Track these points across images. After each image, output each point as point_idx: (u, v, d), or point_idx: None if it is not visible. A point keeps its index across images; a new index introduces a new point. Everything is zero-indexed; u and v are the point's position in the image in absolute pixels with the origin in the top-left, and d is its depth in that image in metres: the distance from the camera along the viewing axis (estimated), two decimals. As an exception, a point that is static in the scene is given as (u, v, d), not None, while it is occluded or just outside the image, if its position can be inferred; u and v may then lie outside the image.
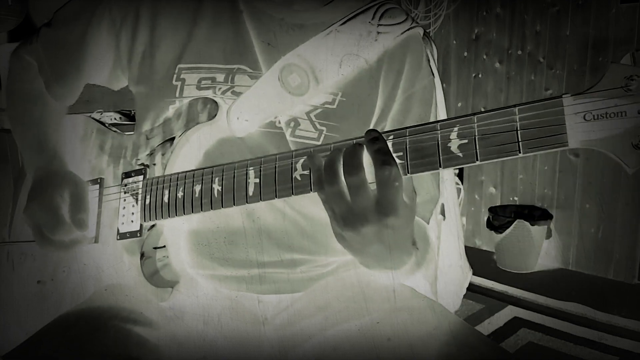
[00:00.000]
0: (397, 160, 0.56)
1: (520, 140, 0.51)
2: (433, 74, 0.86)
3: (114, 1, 0.82)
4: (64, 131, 0.88)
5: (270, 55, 0.79)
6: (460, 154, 0.54)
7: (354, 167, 0.55)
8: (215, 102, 0.76)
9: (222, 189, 0.68)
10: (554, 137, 0.50)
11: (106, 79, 0.89)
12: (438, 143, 0.55)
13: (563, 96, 0.50)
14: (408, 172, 0.56)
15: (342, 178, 0.56)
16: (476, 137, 0.53)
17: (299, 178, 0.62)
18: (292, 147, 0.78)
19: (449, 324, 0.72)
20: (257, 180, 0.65)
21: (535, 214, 2.95)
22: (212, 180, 0.69)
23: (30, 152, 0.86)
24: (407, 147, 0.56)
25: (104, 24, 0.83)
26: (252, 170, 0.65)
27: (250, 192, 0.65)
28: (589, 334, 2.24)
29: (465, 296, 0.98)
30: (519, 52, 3.08)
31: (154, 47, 0.81)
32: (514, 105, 0.52)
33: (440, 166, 0.55)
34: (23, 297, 0.88)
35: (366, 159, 0.57)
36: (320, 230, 0.82)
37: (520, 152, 0.51)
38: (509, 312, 2.45)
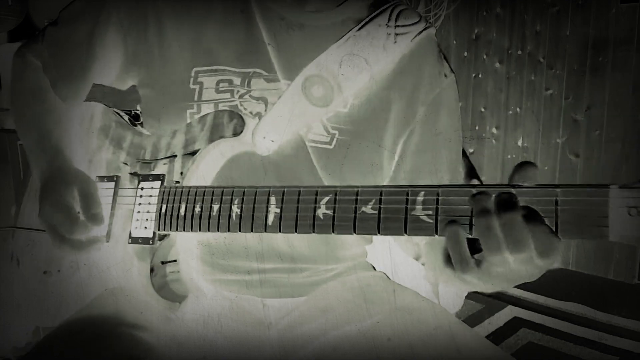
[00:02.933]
0: (428, 221, 0.54)
1: (559, 225, 0.49)
2: (452, 71, 0.85)
3: (122, 1, 0.81)
4: (67, 128, 0.86)
5: (281, 56, 0.78)
6: None
7: (520, 244, 0.49)
8: (242, 118, 0.74)
9: (240, 212, 0.66)
10: (595, 228, 0.47)
11: (113, 80, 0.87)
12: (472, 210, 0.52)
13: (610, 187, 0.47)
14: (436, 234, 0.54)
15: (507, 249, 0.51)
16: None
17: (321, 217, 0.60)
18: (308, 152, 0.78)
19: (449, 325, 0.72)
20: (278, 211, 0.63)
21: (535, 214, 2.94)
22: (231, 201, 0.67)
23: (33, 150, 0.85)
24: (438, 207, 0.53)
25: (112, 24, 0.81)
26: (274, 198, 0.63)
27: (270, 222, 0.63)
28: (589, 334, 2.24)
29: (465, 296, 0.98)
30: (519, 52, 3.08)
31: (164, 48, 0.79)
32: (557, 186, 0.49)
33: (469, 233, 0.52)
34: (25, 294, 0.88)
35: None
36: (322, 240, 0.82)
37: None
38: (509, 312, 2.45)
